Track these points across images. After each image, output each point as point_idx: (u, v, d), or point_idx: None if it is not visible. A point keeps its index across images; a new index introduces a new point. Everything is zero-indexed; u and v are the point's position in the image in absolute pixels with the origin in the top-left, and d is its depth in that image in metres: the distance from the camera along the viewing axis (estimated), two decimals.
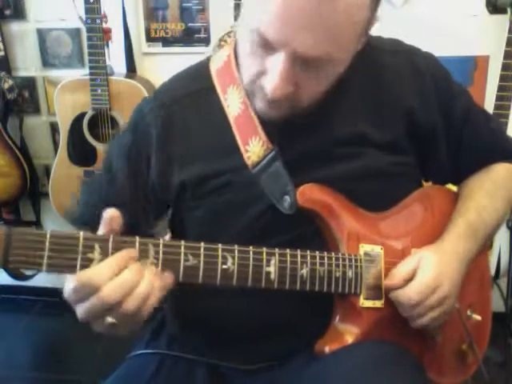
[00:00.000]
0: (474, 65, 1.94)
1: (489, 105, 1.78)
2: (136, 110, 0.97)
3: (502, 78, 1.74)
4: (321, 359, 0.84)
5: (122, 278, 0.68)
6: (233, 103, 0.88)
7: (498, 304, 1.79)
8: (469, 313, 0.96)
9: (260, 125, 0.86)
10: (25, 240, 0.65)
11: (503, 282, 1.87)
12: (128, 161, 0.94)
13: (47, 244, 0.66)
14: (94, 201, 0.99)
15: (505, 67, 1.73)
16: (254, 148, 0.87)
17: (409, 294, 0.83)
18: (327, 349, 0.84)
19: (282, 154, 0.85)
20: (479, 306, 0.99)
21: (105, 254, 0.69)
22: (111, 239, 0.69)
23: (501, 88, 1.75)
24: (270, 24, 0.72)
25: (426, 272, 0.84)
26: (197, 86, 0.93)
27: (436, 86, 0.92)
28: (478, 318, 0.95)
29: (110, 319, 0.68)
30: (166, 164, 0.91)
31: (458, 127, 0.96)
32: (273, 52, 0.74)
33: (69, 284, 0.68)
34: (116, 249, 0.69)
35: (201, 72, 0.94)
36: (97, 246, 0.68)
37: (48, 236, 0.66)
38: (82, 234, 0.68)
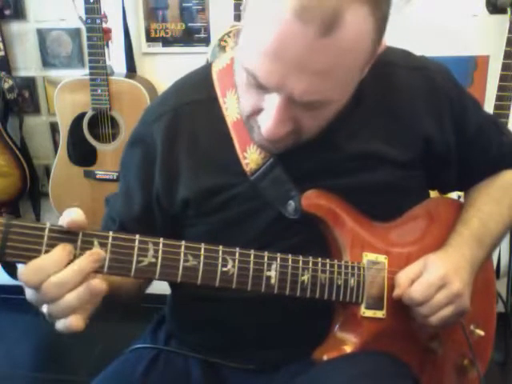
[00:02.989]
0: (474, 65, 1.94)
1: (489, 105, 1.78)
2: (141, 121, 0.94)
3: (502, 78, 1.74)
4: (317, 366, 0.83)
5: (62, 276, 0.63)
6: (231, 107, 0.86)
7: (498, 304, 1.79)
8: (472, 327, 0.93)
9: None
10: (23, 233, 0.64)
11: (503, 282, 1.87)
12: (141, 181, 0.91)
13: (45, 239, 0.65)
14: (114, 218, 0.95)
15: (505, 67, 1.73)
16: (251, 155, 0.84)
17: (410, 293, 0.82)
18: (325, 357, 0.83)
19: (282, 163, 0.83)
20: (483, 321, 0.97)
21: (104, 249, 0.67)
22: (111, 235, 0.68)
23: (501, 88, 1.75)
24: (261, 67, 0.68)
25: (432, 271, 0.83)
26: (199, 96, 0.90)
27: (451, 107, 0.91)
28: (481, 333, 0.93)
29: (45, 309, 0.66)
30: (171, 174, 0.88)
31: (469, 142, 0.94)
32: (268, 92, 0.71)
33: (20, 270, 0.64)
34: (115, 245, 0.68)
35: (204, 80, 0.90)
36: (96, 242, 0.67)
37: (47, 230, 0.65)
38: None
